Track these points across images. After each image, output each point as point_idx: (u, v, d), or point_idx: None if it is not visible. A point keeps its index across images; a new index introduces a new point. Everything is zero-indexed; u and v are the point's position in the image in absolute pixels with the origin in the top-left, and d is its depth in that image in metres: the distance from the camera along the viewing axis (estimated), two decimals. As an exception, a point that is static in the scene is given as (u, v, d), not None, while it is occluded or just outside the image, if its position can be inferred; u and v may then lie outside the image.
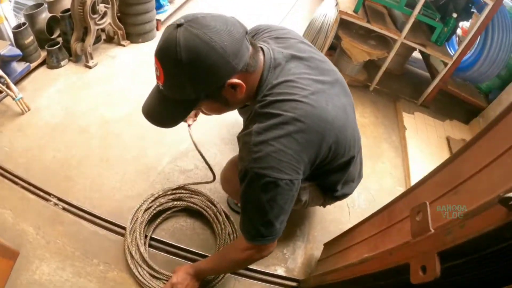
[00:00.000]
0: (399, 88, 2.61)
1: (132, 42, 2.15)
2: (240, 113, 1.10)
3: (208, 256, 1.19)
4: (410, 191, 0.92)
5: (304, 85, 0.80)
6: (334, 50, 2.54)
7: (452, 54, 2.07)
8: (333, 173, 1.00)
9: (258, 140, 0.76)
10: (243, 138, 0.81)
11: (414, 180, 1.90)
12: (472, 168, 0.71)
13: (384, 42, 2.27)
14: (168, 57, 0.70)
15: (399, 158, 2.06)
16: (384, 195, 1.76)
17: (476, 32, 1.90)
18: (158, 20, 2.23)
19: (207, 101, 0.79)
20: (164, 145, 1.59)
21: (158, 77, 0.75)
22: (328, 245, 1.34)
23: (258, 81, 0.80)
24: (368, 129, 2.15)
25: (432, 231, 0.69)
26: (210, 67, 0.69)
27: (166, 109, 0.79)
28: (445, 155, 2.14)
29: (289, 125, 0.75)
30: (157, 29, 2.27)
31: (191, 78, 0.71)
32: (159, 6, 2.22)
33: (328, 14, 2.21)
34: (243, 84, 0.75)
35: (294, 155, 0.76)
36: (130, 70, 1.98)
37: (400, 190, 1.91)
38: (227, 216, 1.33)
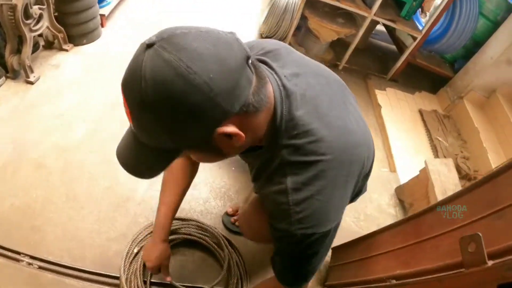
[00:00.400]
0: (366, 63, 2.59)
1: (75, 45, 1.83)
2: (244, 157, 0.82)
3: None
4: (441, 204, 0.87)
5: (326, 108, 0.67)
6: (298, 30, 2.42)
7: (420, 28, 2.06)
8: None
9: (300, 199, 0.63)
10: (274, 198, 0.66)
11: (397, 160, 1.91)
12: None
13: (352, 20, 2.19)
14: (131, 93, 0.51)
15: (378, 139, 2.06)
16: (370, 180, 1.75)
17: (446, 5, 1.88)
18: (102, 16, 1.91)
19: (193, 150, 0.61)
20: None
21: (126, 114, 0.55)
22: (337, 250, 1.30)
23: (270, 120, 0.62)
24: (346, 112, 2.11)
25: (490, 264, 0.64)
26: (188, 112, 0.49)
27: (141, 155, 0.60)
28: (420, 129, 2.18)
29: (331, 170, 0.63)
30: (102, 26, 1.96)
31: (162, 124, 0.51)
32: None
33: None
34: (241, 133, 0.55)
35: (342, 198, 0.68)
36: (79, 80, 1.69)
37: (385, 171, 1.92)
38: (228, 241, 1.21)
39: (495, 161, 1.86)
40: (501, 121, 2.04)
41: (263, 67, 0.64)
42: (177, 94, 0.48)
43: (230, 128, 0.53)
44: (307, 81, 0.68)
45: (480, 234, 0.67)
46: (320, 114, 0.65)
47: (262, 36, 2.31)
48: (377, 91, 2.32)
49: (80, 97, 1.62)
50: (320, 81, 0.72)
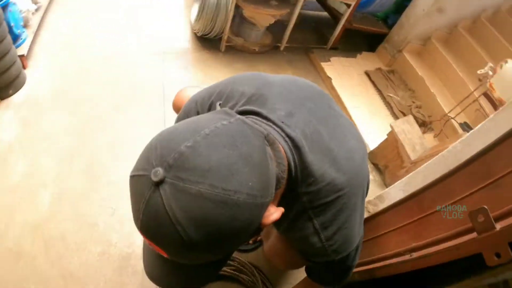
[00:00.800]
0: (304, 38, 2.62)
1: (2, 98, 1.58)
2: None
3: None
4: (437, 182, 0.95)
5: (328, 140, 0.67)
6: (233, 21, 2.34)
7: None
8: None
9: (330, 234, 0.66)
10: (305, 240, 0.68)
11: (360, 126, 2.00)
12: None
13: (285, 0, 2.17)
14: (166, 240, 0.45)
15: (339, 109, 2.14)
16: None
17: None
18: (21, 57, 1.65)
19: None
20: (124, 219, 1.30)
21: (158, 251, 0.49)
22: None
23: (287, 177, 0.60)
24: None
25: (498, 228, 0.73)
26: (239, 230, 0.46)
27: (189, 273, 0.55)
28: (371, 90, 2.31)
29: (351, 199, 0.67)
30: (25, 67, 1.70)
31: (212, 251, 0.48)
32: (15, 38, 1.63)
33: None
34: (281, 210, 0.54)
35: (362, 214, 0.75)
36: (20, 139, 1.48)
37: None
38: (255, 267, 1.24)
39: (444, 103, 2.06)
40: (440, 63, 2.23)
41: (258, 122, 0.61)
42: (224, 223, 0.43)
43: (275, 215, 0.52)
44: (303, 118, 0.67)
45: (486, 207, 0.76)
46: (326, 151, 0.66)
47: (197, 34, 2.19)
48: (323, 64, 2.38)
49: (28, 159, 1.42)
50: (311, 109, 0.71)
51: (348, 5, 2.14)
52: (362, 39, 2.66)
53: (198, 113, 0.77)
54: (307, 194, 0.63)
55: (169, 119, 1.69)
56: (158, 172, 0.41)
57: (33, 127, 1.54)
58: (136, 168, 0.46)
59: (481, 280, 0.97)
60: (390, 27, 2.43)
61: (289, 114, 0.66)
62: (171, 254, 0.47)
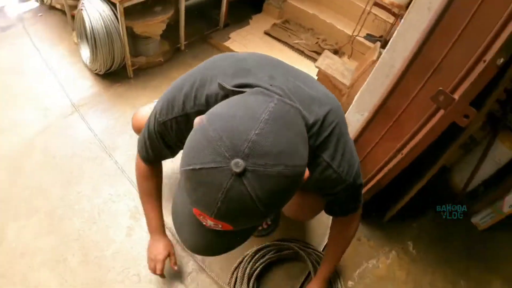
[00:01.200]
0: (197, 28, 2.59)
1: None
2: None
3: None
4: (393, 89, 1.14)
5: (305, 89, 0.76)
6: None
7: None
8: None
9: (338, 162, 0.78)
10: (321, 177, 0.79)
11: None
12: (443, 48, 0.97)
13: (166, 1, 2.13)
14: (246, 220, 0.53)
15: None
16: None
17: None
18: None
19: None
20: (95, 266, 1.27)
21: (216, 226, 0.54)
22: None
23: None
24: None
25: (457, 98, 0.96)
26: (294, 192, 0.56)
27: (235, 237, 0.62)
28: (278, 45, 2.48)
29: (342, 127, 0.80)
30: None
31: (273, 213, 0.59)
32: None
33: (100, 12, 1.81)
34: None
35: (351, 141, 0.87)
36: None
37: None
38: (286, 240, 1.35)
39: (344, 27, 2.32)
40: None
41: (256, 92, 0.65)
42: (291, 189, 0.54)
43: (307, 170, 0.58)
44: (282, 78, 0.74)
45: (441, 88, 0.98)
46: (310, 99, 0.74)
47: (99, 73, 2.04)
48: (225, 44, 2.44)
49: None
50: (282, 68, 0.80)
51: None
52: (246, 6, 2.77)
53: (193, 113, 0.76)
54: (311, 138, 0.73)
55: (127, 165, 1.62)
56: (240, 163, 0.45)
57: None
58: (200, 161, 0.48)
59: (456, 144, 1.24)
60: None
61: (271, 77, 0.73)
62: (240, 226, 0.54)
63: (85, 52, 2.03)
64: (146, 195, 1.08)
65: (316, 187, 0.88)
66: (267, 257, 1.30)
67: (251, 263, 1.26)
